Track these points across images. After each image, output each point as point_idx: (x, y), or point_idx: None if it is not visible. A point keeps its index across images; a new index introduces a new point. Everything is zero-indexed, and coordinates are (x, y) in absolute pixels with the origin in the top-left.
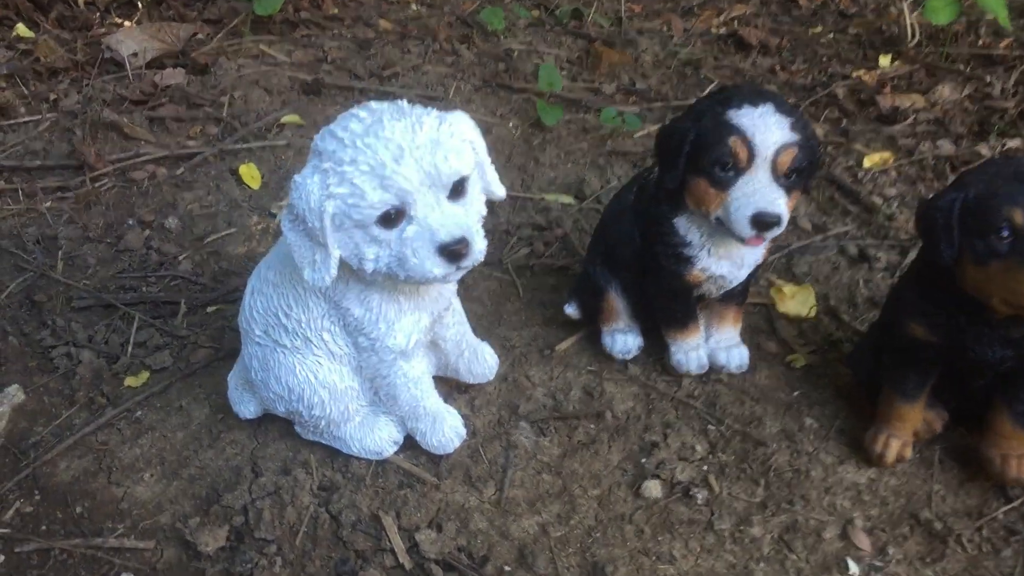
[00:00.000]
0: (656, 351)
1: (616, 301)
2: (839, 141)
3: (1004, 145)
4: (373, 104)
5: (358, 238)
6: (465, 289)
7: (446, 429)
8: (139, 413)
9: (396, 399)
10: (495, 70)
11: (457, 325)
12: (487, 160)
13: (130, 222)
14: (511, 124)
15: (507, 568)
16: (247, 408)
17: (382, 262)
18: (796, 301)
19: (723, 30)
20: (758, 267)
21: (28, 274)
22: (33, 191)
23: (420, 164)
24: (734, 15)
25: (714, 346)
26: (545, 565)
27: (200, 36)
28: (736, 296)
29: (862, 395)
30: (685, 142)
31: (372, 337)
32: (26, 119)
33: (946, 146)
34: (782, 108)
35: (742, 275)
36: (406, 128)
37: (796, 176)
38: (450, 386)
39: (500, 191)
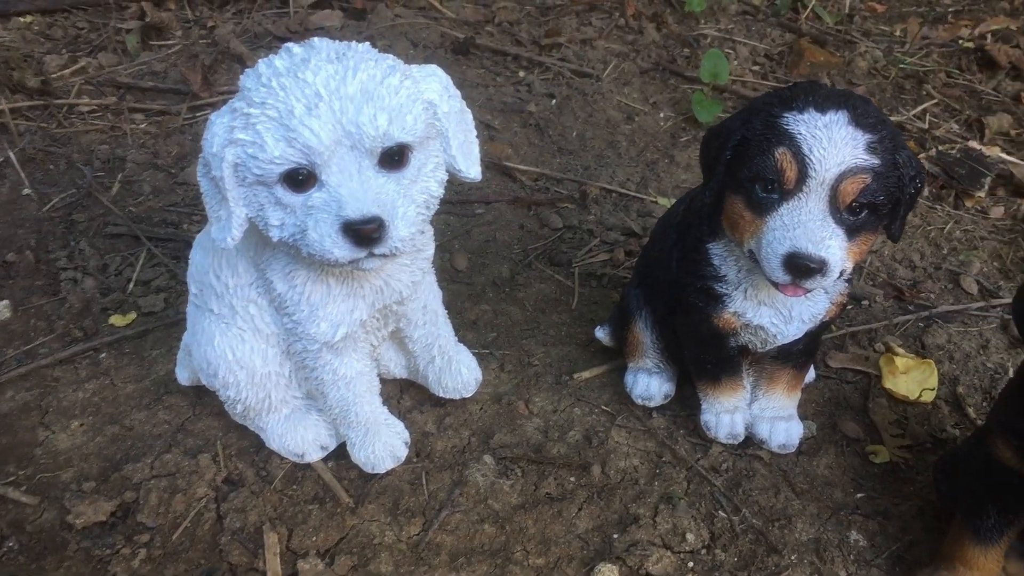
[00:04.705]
0: (694, 404)
1: (642, 334)
2: None
3: None
4: (316, 40)
5: (262, 198)
6: (512, 287)
7: (378, 445)
8: (103, 355)
9: (325, 397)
10: (674, 55)
11: (428, 325)
12: (459, 130)
13: None
14: (661, 115)
15: None
16: (183, 373)
17: (287, 231)
18: (909, 378)
19: (971, 44)
20: (823, 326)
21: (77, 192)
22: (121, 110)
23: (338, 119)
24: (993, 28)
25: (757, 413)
26: None
27: None
28: (794, 357)
29: (944, 518)
30: (727, 147)
31: (295, 319)
32: (173, 42)
33: None
34: (862, 120)
35: (791, 331)
36: (335, 73)
37: (867, 214)
38: (424, 395)
39: (471, 171)
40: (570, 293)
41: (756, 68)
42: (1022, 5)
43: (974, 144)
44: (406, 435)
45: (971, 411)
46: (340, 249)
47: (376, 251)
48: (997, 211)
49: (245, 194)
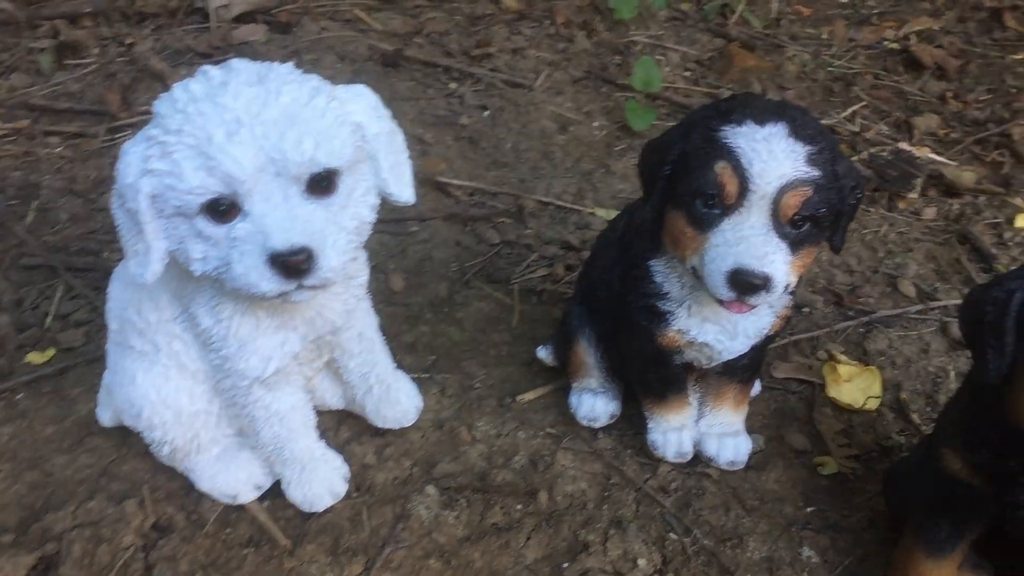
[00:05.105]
0: (641, 423)
1: (586, 353)
2: (994, 190)
3: None
4: (236, 62)
5: (183, 230)
6: (450, 307)
7: (315, 483)
8: (20, 396)
9: (257, 434)
10: (605, 63)
11: (364, 354)
12: (389, 151)
13: None
14: (595, 124)
15: None
16: (104, 413)
17: (210, 264)
18: (853, 386)
19: (896, 45)
20: (768, 340)
21: None
22: (35, 133)
23: (261, 145)
24: (917, 29)
25: (705, 430)
26: None
27: None
28: (739, 372)
29: (895, 528)
30: (665, 161)
31: (223, 355)
32: (89, 60)
33: None
34: (800, 131)
35: (737, 347)
36: (256, 97)
37: (810, 227)
38: (363, 425)
39: (403, 194)
40: (510, 311)
41: (687, 74)
42: (944, 5)
43: (904, 145)
44: (345, 469)
45: (915, 417)
46: (267, 282)
47: (306, 283)
48: (930, 212)
49: (164, 226)
